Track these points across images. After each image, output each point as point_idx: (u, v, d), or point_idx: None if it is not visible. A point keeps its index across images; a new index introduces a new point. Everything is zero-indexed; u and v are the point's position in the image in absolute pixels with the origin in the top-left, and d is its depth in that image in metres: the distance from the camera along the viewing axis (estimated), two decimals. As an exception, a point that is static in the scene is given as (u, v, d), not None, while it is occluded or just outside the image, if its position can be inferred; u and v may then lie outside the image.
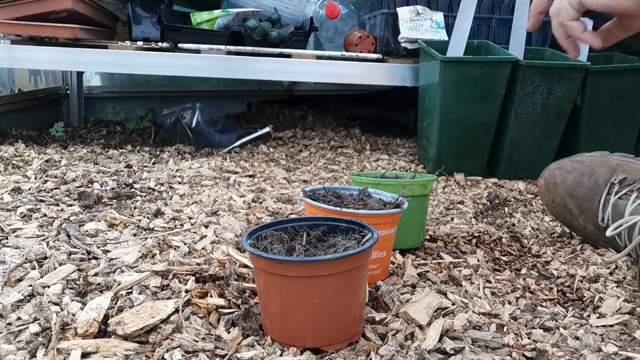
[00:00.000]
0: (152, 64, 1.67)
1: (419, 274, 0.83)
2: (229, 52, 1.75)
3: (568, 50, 0.78)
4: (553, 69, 1.47)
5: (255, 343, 0.61)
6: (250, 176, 1.43)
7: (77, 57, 1.65)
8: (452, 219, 1.14)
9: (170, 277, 0.74)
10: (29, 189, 1.13)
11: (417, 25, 1.73)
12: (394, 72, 1.76)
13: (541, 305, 0.76)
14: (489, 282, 0.83)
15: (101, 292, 0.69)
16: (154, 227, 0.95)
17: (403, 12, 1.74)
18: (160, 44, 1.76)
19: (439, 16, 1.76)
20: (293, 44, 1.80)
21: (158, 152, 1.71)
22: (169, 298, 0.68)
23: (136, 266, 0.77)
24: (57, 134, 1.87)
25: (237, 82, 2.60)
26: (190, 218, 1.01)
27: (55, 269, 0.74)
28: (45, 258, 0.78)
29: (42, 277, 0.72)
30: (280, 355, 0.59)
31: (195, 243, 0.88)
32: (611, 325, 0.71)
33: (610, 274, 0.88)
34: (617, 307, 0.75)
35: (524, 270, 0.90)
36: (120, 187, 1.18)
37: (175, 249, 0.85)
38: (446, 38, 1.70)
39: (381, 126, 2.32)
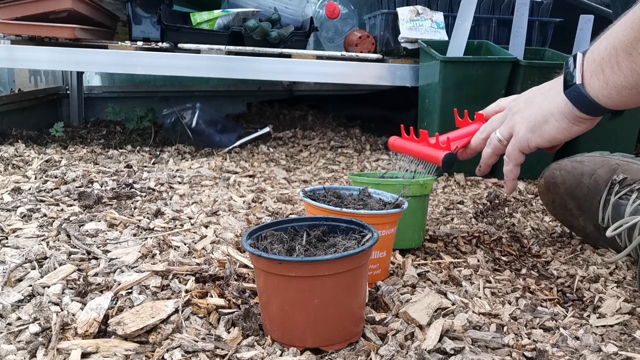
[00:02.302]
0: (152, 64, 1.67)
1: (419, 274, 0.83)
2: (229, 52, 1.75)
3: (510, 187, 0.91)
4: (553, 69, 1.47)
5: (255, 343, 0.61)
6: (250, 176, 1.43)
7: (77, 57, 1.65)
8: (452, 219, 1.14)
9: (170, 277, 0.74)
10: (29, 189, 1.13)
11: (417, 25, 1.73)
12: (394, 72, 1.76)
13: (541, 305, 0.76)
14: (489, 282, 0.83)
15: (101, 292, 0.69)
16: (154, 227, 0.95)
17: (403, 12, 1.74)
18: (160, 44, 1.76)
19: (439, 16, 1.76)
20: (293, 44, 1.80)
21: (158, 152, 1.71)
22: (169, 298, 0.68)
23: (136, 266, 0.77)
24: (57, 134, 1.87)
25: (237, 82, 2.60)
26: (190, 218, 1.01)
27: (55, 269, 0.74)
28: (45, 258, 0.78)
29: (42, 277, 0.72)
30: (280, 355, 0.59)
31: (195, 243, 0.88)
32: (611, 325, 0.71)
33: (610, 274, 0.88)
34: (617, 307, 0.75)
35: (524, 270, 0.89)
36: (120, 187, 1.18)
37: (175, 249, 0.85)
38: (446, 38, 1.70)
39: (381, 126, 2.32)
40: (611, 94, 0.71)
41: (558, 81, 0.79)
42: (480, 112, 0.98)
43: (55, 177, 1.23)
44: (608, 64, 0.69)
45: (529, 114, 0.82)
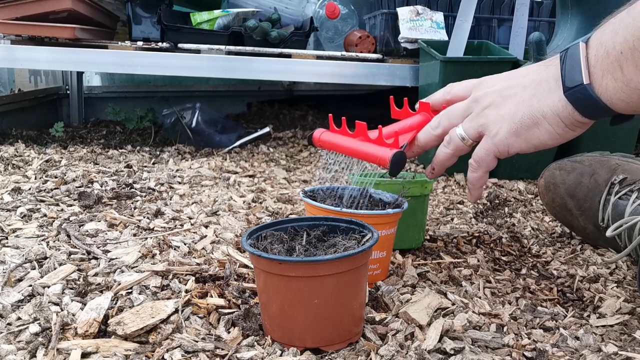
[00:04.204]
0: (152, 64, 1.67)
1: (419, 274, 0.83)
2: (229, 52, 1.75)
3: (475, 195, 0.75)
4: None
5: (255, 343, 0.61)
6: (250, 176, 1.43)
7: (77, 57, 1.65)
8: (452, 219, 1.14)
9: (170, 277, 0.74)
10: (29, 189, 1.13)
11: (417, 25, 1.73)
12: (394, 72, 1.76)
13: (541, 305, 0.76)
14: (489, 282, 0.83)
15: (101, 292, 0.69)
16: (154, 227, 0.95)
17: (403, 12, 1.74)
18: (160, 44, 1.76)
19: (439, 16, 1.77)
20: (293, 44, 1.80)
21: (158, 152, 1.71)
22: (169, 298, 0.68)
23: (136, 266, 0.77)
24: (57, 134, 1.87)
25: (237, 82, 2.60)
26: (190, 218, 1.01)
27: (55, 269, 0.74)
28: (45, 258, 0.78)
29: (42, 277, 0.72)
30: (280, 355, 0.59)
31: (195, 243, 0.88)
32: (611, 325, 0.71)
33: (610, 274, 0.88)
34: (617, 307, 0.75)
35: (524, 270, 0.89)
36: (120, 187, 1.18)
37: (175, 249, 0.85)
38: (446, 38, 1.70)
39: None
40: (631, 97, 0.57)
41: (547, 73, 0.65)
42: (425, 100, 0.80)
43: (55, 177, 1.23)
44: (631, 60, 0.55)
45: (511, 113, 0.66)
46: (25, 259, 0.77)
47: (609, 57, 0.58)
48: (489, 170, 0.72)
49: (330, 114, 0.82)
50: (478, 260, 0.90)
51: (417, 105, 0.81)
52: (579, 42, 0.61)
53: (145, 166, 1.47)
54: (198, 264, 0.79)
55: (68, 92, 2.40)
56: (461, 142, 0.71)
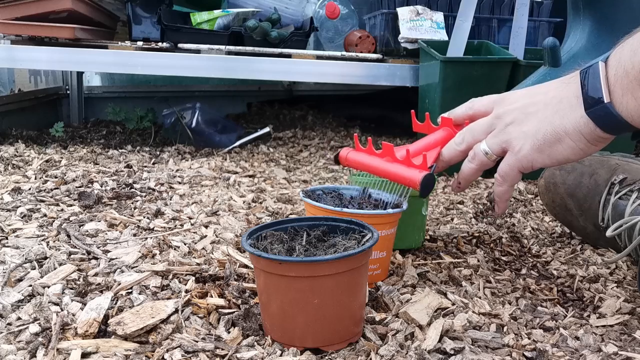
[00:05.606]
0: (152, 64, 1.67)
1: (419, 274, 0.83)
2: (229, 52, 1.75)
3: (502, 208, 0.78)
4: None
5: (255, 343, 0.61)
6: (250, 176, 1.43)
7: (77, 57, 1.65)
8: (452, 219, 1.14)
9: (170, 277, 0.74)
10: (29, 189, 1.13)
11: (417, 25, 1.73)
12: (394, 72, 1.76)
13: (541, 305, 0.76)
14: (489, 282, 0.83)
15: (101, 292, 0.69)
16: (154, 227, 0.95)
17: (403, 12, 1.74)
18: (160, 44, 1.77)
19: (439, 16, 1.77)
20: (293, 44, 1.80)
21: (158, 152, 1.71)
22: (169, 298, 0.68)
23: (136, 266, 0.77)
24: (57, 134, 1.87)
25: (237, 82, 2.60)
26: (190, 218, 1.01)
27: (55, 269, 0.74)
28: (45, 258, 0.78)
29: (42, 277, 0.72)
30: (280, 355, 0.59)
31: (195, 243, 0.89)
32: (611, 325, 0.71)
33: (610, 274, 0.88)
34: (617, 307, 0.75)
35: (524, 270, 0.89)
36: (120, 187, 1.18)
37: (175, 249, 0.85)
38: (446, 38, 1.70)
39: (381, 126, 2.32)
40: None
41: (568, 90, 0.67)
42: (446, 115, 0.84)
43: (55, 177, 1.23)
44: None
45: (534, 130, 0.68)
46: (25, 259, 0.77)
47: (628, 77, 0.59)
48: (515, 184, 0.75)
49: (355, 134, 0.86)
50: (478, 260, 0.90)
51: (439, 120, 0.84)
52: (599, 61, 0.63)
53: (145, 166, 1.47)
54: (198, 264, 0.79)
55: (68, 92, 2.39)
56: (485, 158, 0.74)
